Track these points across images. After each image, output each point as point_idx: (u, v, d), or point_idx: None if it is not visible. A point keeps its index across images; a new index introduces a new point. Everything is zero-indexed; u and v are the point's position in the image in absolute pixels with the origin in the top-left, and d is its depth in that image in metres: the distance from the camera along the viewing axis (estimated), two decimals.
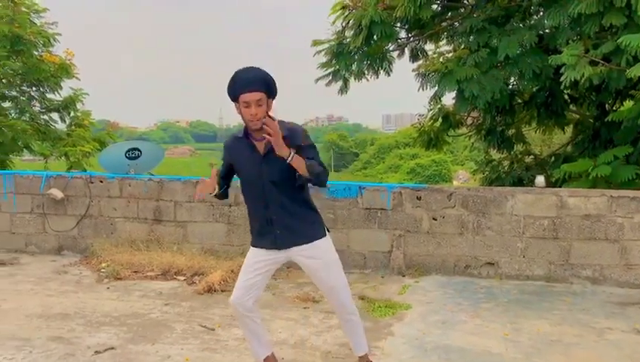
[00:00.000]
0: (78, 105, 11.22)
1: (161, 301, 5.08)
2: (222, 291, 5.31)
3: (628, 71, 5.55)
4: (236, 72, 3.02)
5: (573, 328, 4.42)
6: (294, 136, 3.03)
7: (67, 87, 10.89)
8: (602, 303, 5.05)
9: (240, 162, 3.18)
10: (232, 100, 3.02)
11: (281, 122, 3.03)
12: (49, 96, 10.88)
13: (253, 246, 3.28)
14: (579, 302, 5.08)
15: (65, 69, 10.56)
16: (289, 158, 2.92)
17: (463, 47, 7.64)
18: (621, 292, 5.35)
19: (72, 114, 11.18)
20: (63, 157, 10.63)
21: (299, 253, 3.21)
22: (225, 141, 3.28)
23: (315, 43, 8.10)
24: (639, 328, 4.41)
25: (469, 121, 9.91)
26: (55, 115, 11.07)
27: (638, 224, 5.47)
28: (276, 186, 3.10)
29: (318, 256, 3.21)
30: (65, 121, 11.16)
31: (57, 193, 6.76)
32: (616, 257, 5.53)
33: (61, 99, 10.94)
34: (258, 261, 3.24)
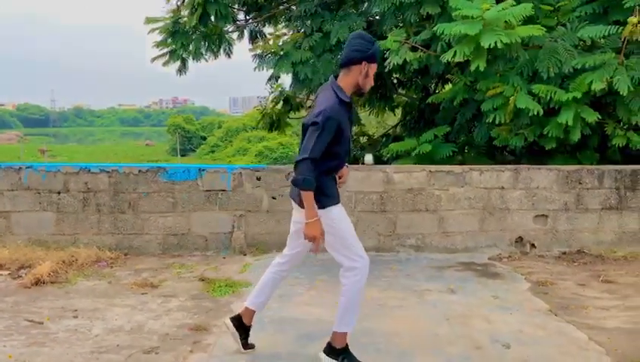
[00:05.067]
0: None
1: None
2: (52, 283, 5.00)
3: (442, 56, 6.12)
4: (372, 38, 3.23)
5: (397, 292, 4.84)
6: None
7: None
8: (423, 268, 5.58)
9: (345, 123, 3.22)
10: (367, 59, 3.16)
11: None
12: None
13: (337, 203, 3.33)
14: (404, 268, 5.56)
15: None
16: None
17: (299, 30, 7.88)
18: (440, 258, 5.95)
19: None
20: None
21: None
22: (330, 113, 3.10)
23: (149, 20, 7.85)
24: (453, 288, 4.95)
25: (309, 103, 10.26)
26: None
27: (453, 195, 6.10)
28: None
29: None
30: None
31: None
32: (435, 226, 6.12)
33: None
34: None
